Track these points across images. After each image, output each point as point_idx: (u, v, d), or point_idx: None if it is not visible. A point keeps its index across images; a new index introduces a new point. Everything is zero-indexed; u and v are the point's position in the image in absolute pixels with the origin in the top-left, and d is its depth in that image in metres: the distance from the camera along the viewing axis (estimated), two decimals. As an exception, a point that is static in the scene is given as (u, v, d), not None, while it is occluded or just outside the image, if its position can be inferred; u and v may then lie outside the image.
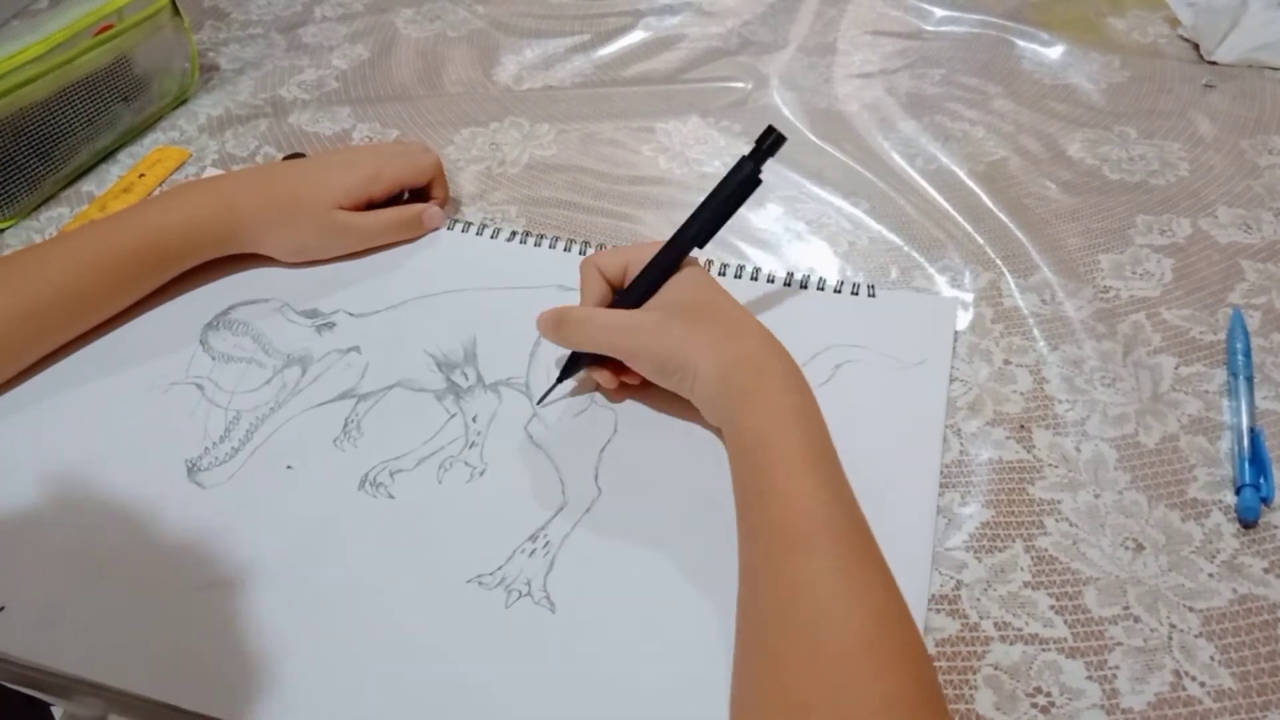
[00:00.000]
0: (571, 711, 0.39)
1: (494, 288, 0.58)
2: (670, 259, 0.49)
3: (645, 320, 0.48)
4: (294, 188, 0.57)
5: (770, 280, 0.58)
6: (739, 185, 0.49)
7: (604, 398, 0.51)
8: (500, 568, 0.44)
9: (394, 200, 0.61)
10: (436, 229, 0.62)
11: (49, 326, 0.52)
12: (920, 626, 0.40)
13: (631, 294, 0.49)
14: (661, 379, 0.48)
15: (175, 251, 0.55)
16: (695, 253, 0.50)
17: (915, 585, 0.43)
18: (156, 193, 0.67)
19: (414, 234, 0.61)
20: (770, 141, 0.48)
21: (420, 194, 0.63)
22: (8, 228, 0.64)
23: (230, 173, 0.61)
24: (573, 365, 0.51)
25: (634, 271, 0.50)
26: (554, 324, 0.49)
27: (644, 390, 0.51)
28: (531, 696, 0.40)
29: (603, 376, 0.50)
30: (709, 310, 0.48)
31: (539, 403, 0.51)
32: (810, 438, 0.42)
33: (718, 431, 0.48)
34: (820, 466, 0.41)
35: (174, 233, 0.55)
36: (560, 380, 0.51)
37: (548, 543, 0.45)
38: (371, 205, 0.60)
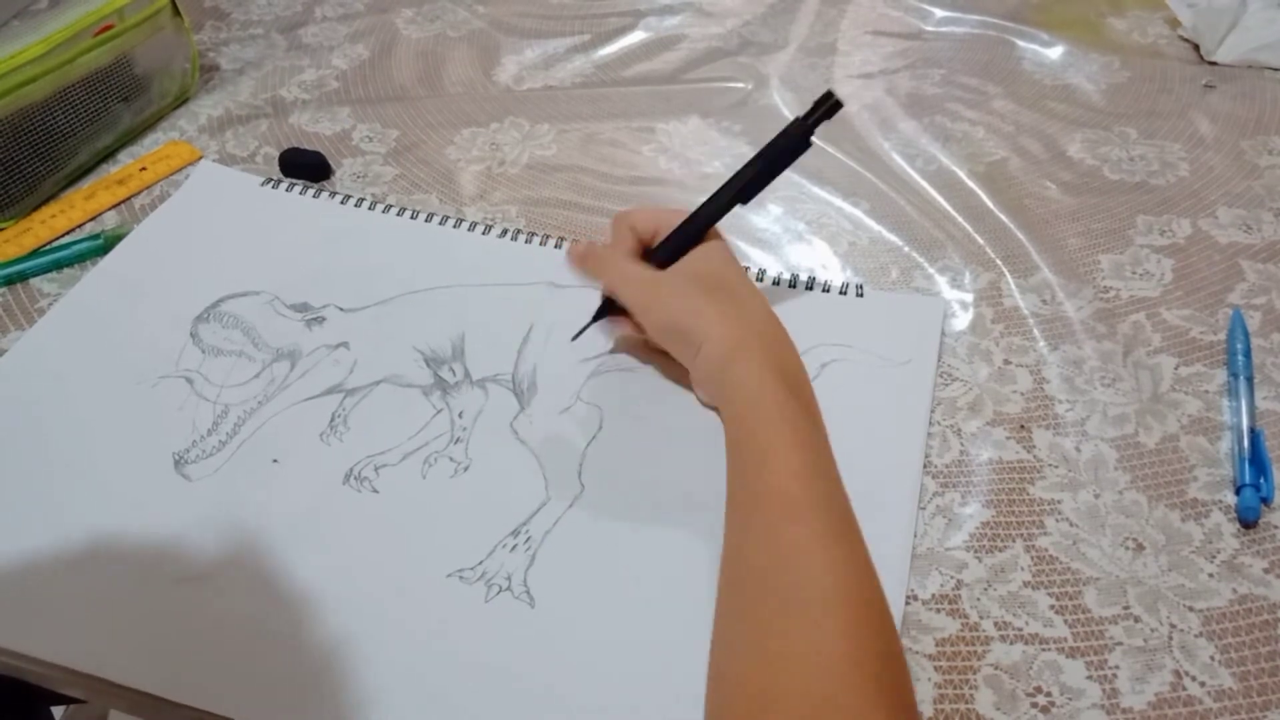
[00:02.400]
0: (549, 705, 0.40)
1: (485, 284, 0.58)
2: (700, 225, 0.50)
3: (665, 280, 0.49)
4: None
5: (759, 279, 0.58)
6: (784, 149, 0.49)
7: (590, 394, 0.52)
8: (481, 562, 0.44)
9: None
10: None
11: None
12: (898, 619, 0.42)
13: (659, 253, 0.50)
14: (665, 340, 0.49)
15: None
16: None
17: (895, 580, 0.43)
18: (157, 190, 0.67)
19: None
20: (828, 106, 0.48)
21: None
22: (7, 227, 0.64)
23: None
24: (604, 309, 0.52)
25: (663, 234, 0.51)
26: (580, 256, 0.51)
27: (628, 386, 0.51)
28: (510, 690, 0.40)
29: (625, 327, 0.51)
30: (726, 286, 0.48)
31: (572, 339, 0.52)
32: (801, 414, 0.44)
33: (712, 408, 0.49)
34: (810, 446, 0.42)
35: None
36: (592, 321, 0.52)
37: (529, 538, 0.45)
38: None
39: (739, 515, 0.42)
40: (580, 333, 0.52)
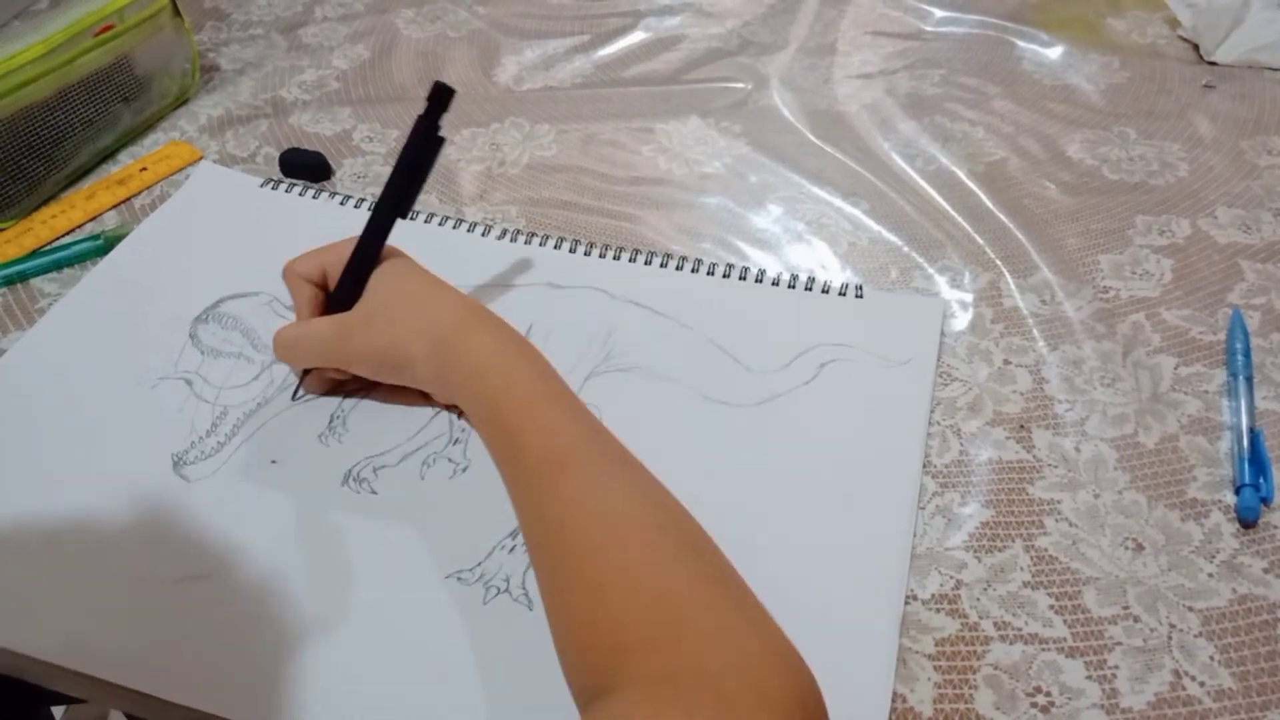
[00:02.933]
0: (546, 707, 0.39)
1: (483, 285, 0.58)
2: (367, 255, 0.49)
3: (349, 325, 0.48)
4: None
5: (759, 279, 0.58)
6: (418, 150, 0.49)
7: (588, 395, 0.51)
8: (480, 564, 0.44)
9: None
10: None
11: None
12: (897, 619, 0.42)
13: (337, 297, 0.50)
14: (385, 377, 0.49)
15: None
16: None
17: (894, 580, 0.43)
18: (157, 190, 0.67)
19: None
20: (443, 96, 0.48)
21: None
22: (8, 228, 0.64)
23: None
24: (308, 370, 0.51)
25: (333, 272, 0.50)
26: (275, 349, 0.50)
27: (627, 386, 0.51)
28: (506, 691, 0.40)
29: (310, 381, 0.51)
30: (411, 299, 0.48)
31: (293, 399, 0.51)
32: (540, 376, 0.45)
33: (454, 410, 0.50)
34: (553, 398, 0.44)
35: None
36: (300, 381, 0.52)
37: None
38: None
39: (515, 484, 0.43)
40: (295, 393, 0.51)
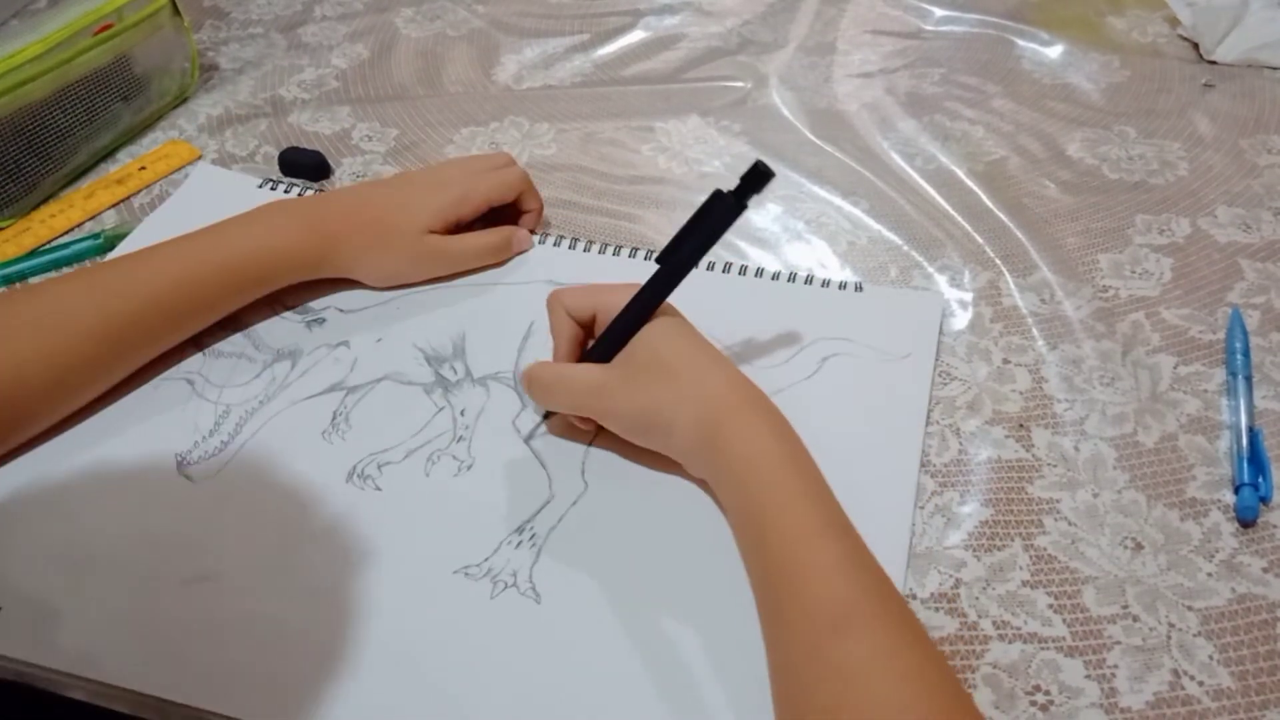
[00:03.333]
0: (554, 702, 0.40)
1: (485, 283, 0.58)
2: (640, 311, 0.46)
3: (611, 380, 0.46)
4: (384, 212, 0.55)
5: (759, 275, 0.58)
6: (716, 219, 0.45)
7: None
8: (487, 559, 0.44)
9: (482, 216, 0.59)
10: (525, 251, 0.60)
11: (130, 343, 0.51)
12: None
13: (600, 348, 0.47)
14: (636, 438, 0.47)
15: (263, 274, 0.54)
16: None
17: (892, 574, 0.43)
18: (156, 189, 0.67)
19: (502, 257, 0.59)
20: (756, 178, 0.44)
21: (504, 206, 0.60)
22: (6, 227, 0.64)
23: (318, 196, 0.58)
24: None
25: (603, 317, 0.47)
26: (526, 384, 0.48)
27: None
28: (515, 686, 0.40)
29: (570, 426, 0.49)
30: (682, 365, 0.45)
31: (526, 440, 0.50)
32: (821, 502, 0.40)
33: (704, 484, 0.46)
34: (839, 535, 0.39)
35: (263, 256, 0.53)
36: (541, 422, 0.50)
37: (534, 535, 0.45)
38: (460, 222, 0.58)
39: (778, 629, 0.38)
40: (531, 436, 0.50)
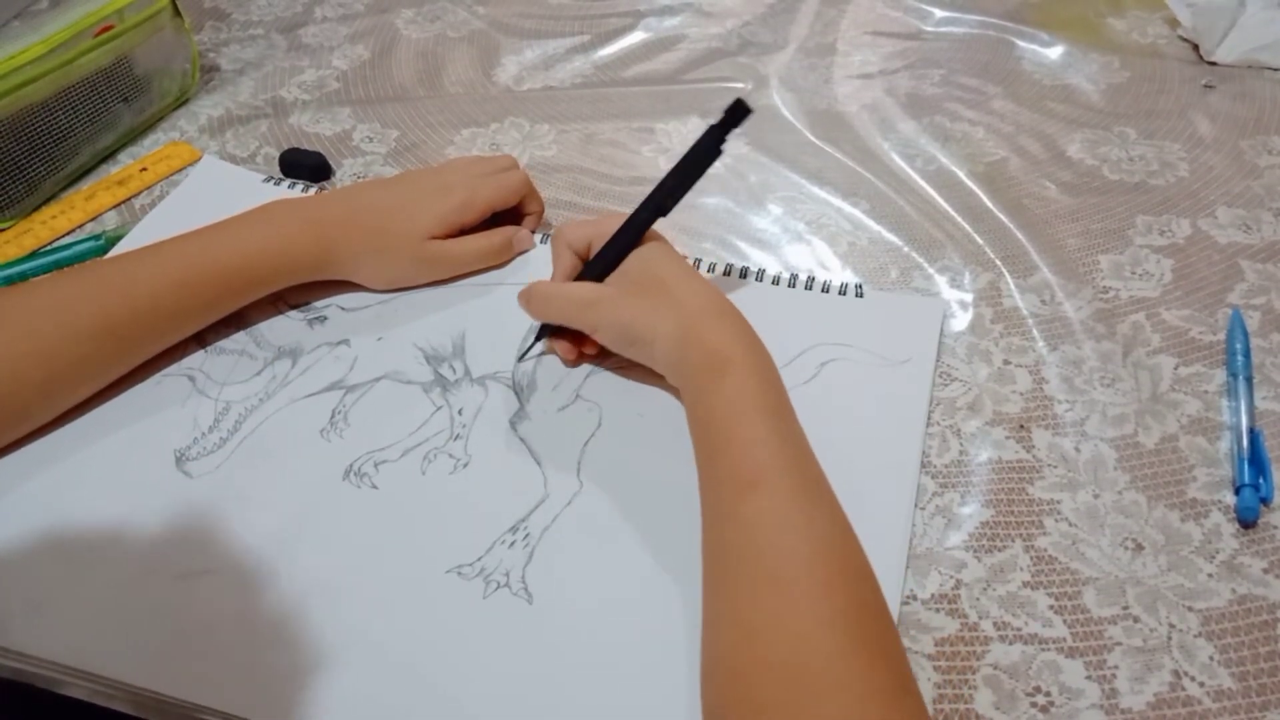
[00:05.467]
0: (546, 702, 0.40)
1: (486, 283, 0.58)
2: (630, 235, 0.51)
3: (604, 294, 0.50)
4: (385, 219, 0.56)
5: (759, 278, 0.58)
6: (702, 151, 0.51)
7: (589, 392, 0.52)
8: (480, 558, 0.45)
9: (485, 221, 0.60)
10: (526, 251, 0.60)
11: (128, 342, 0.51)
12: (895, 618, 0.41)
13: (594, 268, 0.51)
14: (623, 349, 0.50)
15: (263, 276, 0.54)
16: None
17: (891, 580, 0.43)
18: (157, 190, 0.67)
19: (504, 259, 0.59)
20: (739, 115, 0.50)
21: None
22: (7, 228, 0.64)
23: (320, 197, 0.58)
24: (544, 331, 0.53)
25: (598, 245, 0.52)
26: (524, 298, 0.52)
27: (627, 384, 0.52)
28: (506, 686, 0.40)
29: (560, 347, 0.53)
30: (667, 281, 0.49)
31: (518, 360, 0.53)
32: (760, 386, 0.44)
33: (676, 391, 0.50)
34: (771, 415, 0.43)
35: (264, 258, 0.53)
36: (534, 343, 0.53)
37: (528, 535, 0.45)
38: (462, 228, 0.58)
39: (708, 492, 0.43)
40: (524, 355, 0.53)
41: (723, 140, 0.51)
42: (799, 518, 0.39)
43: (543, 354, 0.54)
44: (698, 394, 0.45)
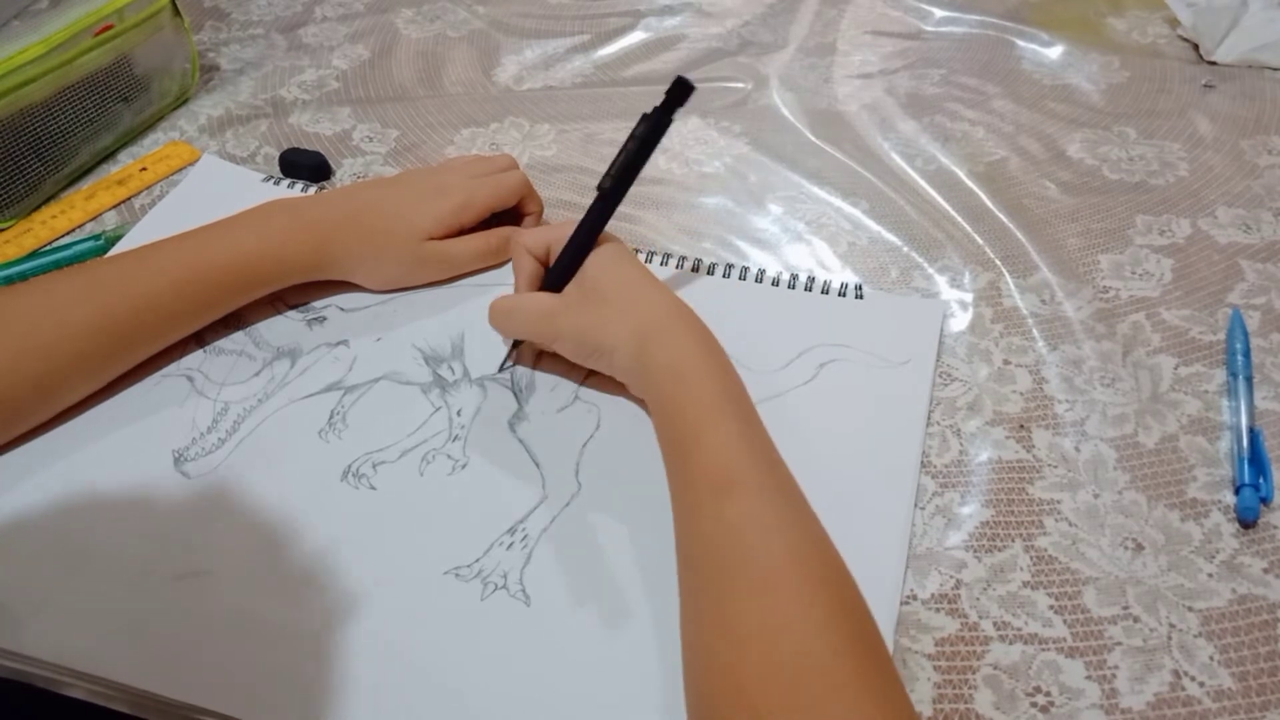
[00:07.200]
0: (544, 703, 0.40)
1: (485, 284, 0.58)
2: (584, 239, 0.51)
3: (558, 306, 0.50)
4: (383, 220, 0.56)
5: (759, 279, 0.58)
6: (644, 139, 0.50)
7: (588, 393, 0.52)
8: (478, 560, 0.44)
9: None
10: None
11: (126, 341, 0.51)
12: (894, 619, 0.42)
13: (552, 277, 0.51)
14: (583, 359, 0.50)
15: (261, 277, 0.54)
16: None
17: (891, 580, 0.43)
18: (157, 190, 0.67)
19: (503, 259, 0.59)
20: (680, 92, 0.49)
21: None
22: (7, 228, 0.64)
23: (319, 197, 0.58)
24: (517, 341, 0.53)
25: (557, 250, 0.51)
26: (490, 315, 0.52)
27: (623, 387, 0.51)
28: (504, 687, 0.40)
29: (528, 357, 0.53)
30: (618, 287, 0.49)
31: (497, 371, 0.53)
32: (724, 390, 0.44)
33: (641, 403, 0.49)
34: (735, 416, 0.43)
35: (262, 259, 0.53)
36: (508, 354, 0.53)
37: (526, 536, 0.45)
38: (461, 230, 0.58)
39: (681, 495, 0.43)
40: (503, 367, 0.53)
41: (669, 122, 0.50)
42: (779, 519, 0.39)
43: (513, 366, 0.53)
44: (661, 401, 0.45)
